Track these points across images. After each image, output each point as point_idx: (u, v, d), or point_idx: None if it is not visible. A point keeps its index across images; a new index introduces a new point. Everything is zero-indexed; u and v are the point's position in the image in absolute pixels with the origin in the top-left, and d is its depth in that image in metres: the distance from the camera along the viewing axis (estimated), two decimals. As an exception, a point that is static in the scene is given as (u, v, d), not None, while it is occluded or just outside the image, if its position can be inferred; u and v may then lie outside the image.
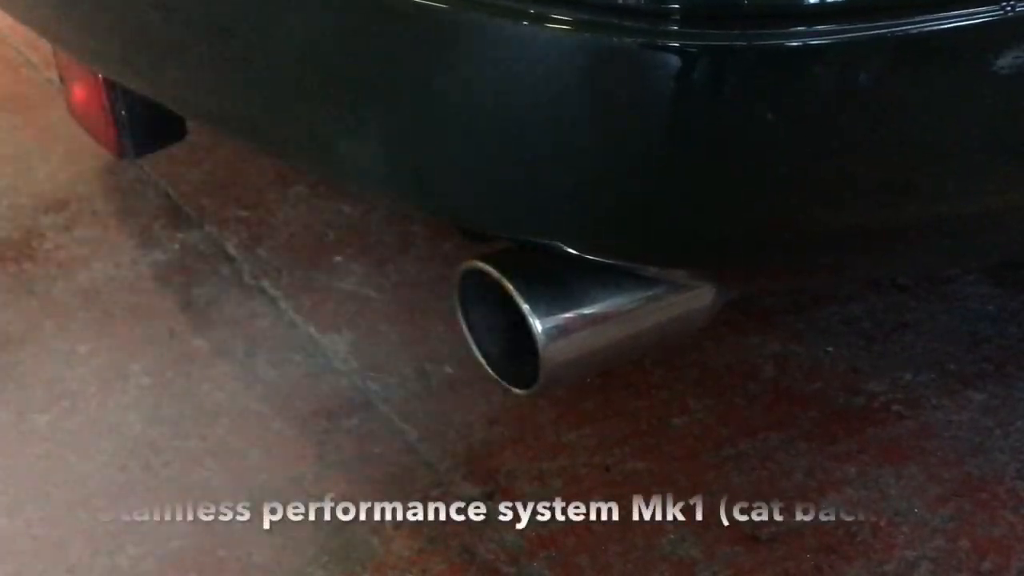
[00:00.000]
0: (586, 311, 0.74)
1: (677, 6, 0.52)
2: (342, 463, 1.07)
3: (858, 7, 0.53)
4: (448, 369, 1.19)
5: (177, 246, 1.42)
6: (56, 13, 0.93)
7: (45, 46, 1.17)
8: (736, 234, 0.62)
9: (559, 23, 0.55)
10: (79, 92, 1.00)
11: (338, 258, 1.38)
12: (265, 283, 1.34)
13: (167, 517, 1.01)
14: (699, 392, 1.16)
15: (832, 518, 1.01)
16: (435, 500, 1.03)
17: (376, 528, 1.00)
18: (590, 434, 1.11)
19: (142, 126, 0.97)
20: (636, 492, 1.03)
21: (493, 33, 0.57)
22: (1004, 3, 0.55)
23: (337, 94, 0.68)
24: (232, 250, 1.40)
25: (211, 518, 1.01)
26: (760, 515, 1.00)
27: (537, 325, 0.72)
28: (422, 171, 0.66)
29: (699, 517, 1.00)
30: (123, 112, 0.95)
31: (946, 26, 0.54)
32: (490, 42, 0.57)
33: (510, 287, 0.72)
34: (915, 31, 0.54)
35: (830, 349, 1.22)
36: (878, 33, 0.54)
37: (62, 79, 1.07)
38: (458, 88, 0.60)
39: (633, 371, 1.17)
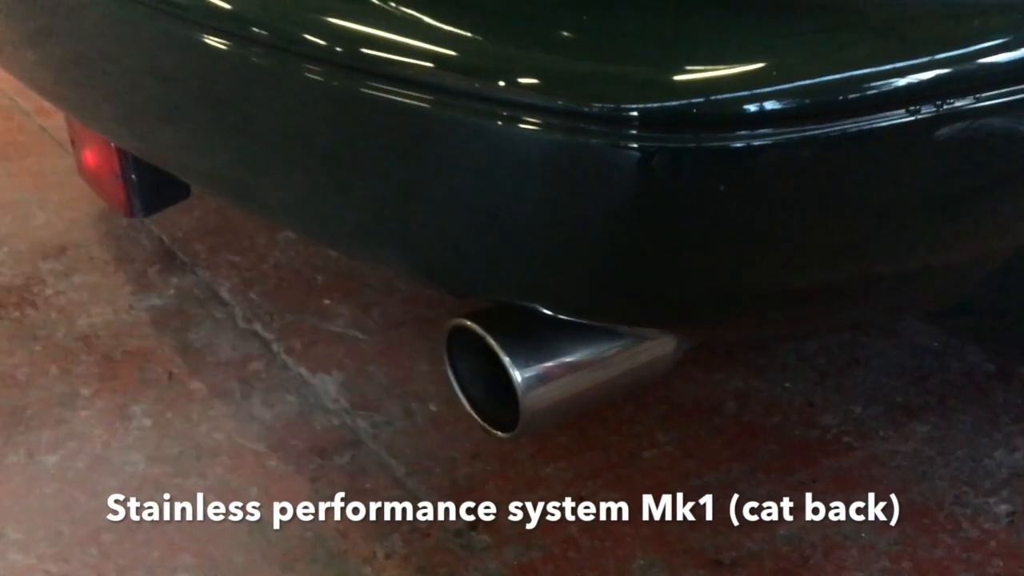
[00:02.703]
0: (562, 362, 0.83)
1: (636, 114, 0.61)
2: (334, 499, 1.15)
3: (790, 114, 0.62)
4: (432, 407, 1.27)
5: (172, 291, 1.49)
6: (64, 83, 1.01)
7: (37, 96, 1.24)
8: (688, 299, 0.71)
9: (538, 124, 0.64)
10: (90, 155, 1.08)
11: (326, 301, 1.47)
12: (258, 326, 1.42)
13: (172, 551, 1.08)
14: (667, 426, 1.25)
15: (788, 543, 1.10)
16: (423, 531, 1.11)
17: (368, 558, 1.08)
18: (566, 467, 1.19)
19: (150, 188, 1.05)
20: (609, 522, 1.11)
21: (483, 131, 0.66)
22: (911, 108, 0.65)
23: (332, 175, 0.77)
24: (225, 294, 1.48)
25: (213, 551, 1.08)
26: (723, 542, 1.09)
27: (517, 376, 0.80)
28: (418, 246, 0.75)
29: (667, 544, 1.09)
30: (133, 176, 1.03)
31: (863, 127, 0.64)
32: (480, 138, 0.66)
33: (493, 343, 0.80)
34: (837, 132, 0.64)
35: (788, 385, 1.32)
36: (808, 134, 0.63)
37: (73, 142, 1.14)
38: (449, 175, 0.69)
39: (606, 407, 1.26)
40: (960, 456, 1.22)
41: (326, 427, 1.25)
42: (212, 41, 0.77)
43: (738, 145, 0.62)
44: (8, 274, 1.53)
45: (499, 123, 0.64)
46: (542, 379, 0.81)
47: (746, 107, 0.62)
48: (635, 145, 0.62)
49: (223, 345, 1.39)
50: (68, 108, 1.05)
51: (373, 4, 0.71)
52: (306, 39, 0.71)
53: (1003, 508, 1.15)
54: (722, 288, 0.71)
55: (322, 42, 0.71)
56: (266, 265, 1.54)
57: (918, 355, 1.36)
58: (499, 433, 0.85)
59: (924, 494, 1.16)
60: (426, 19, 0.68)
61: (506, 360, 0.80)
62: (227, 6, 0.77)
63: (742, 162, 0.63)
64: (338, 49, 0.71)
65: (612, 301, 0.72)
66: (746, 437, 1.24)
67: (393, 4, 0.69)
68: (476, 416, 0.86)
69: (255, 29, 0.74)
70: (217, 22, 0.77)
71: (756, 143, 0.63)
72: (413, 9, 0.69)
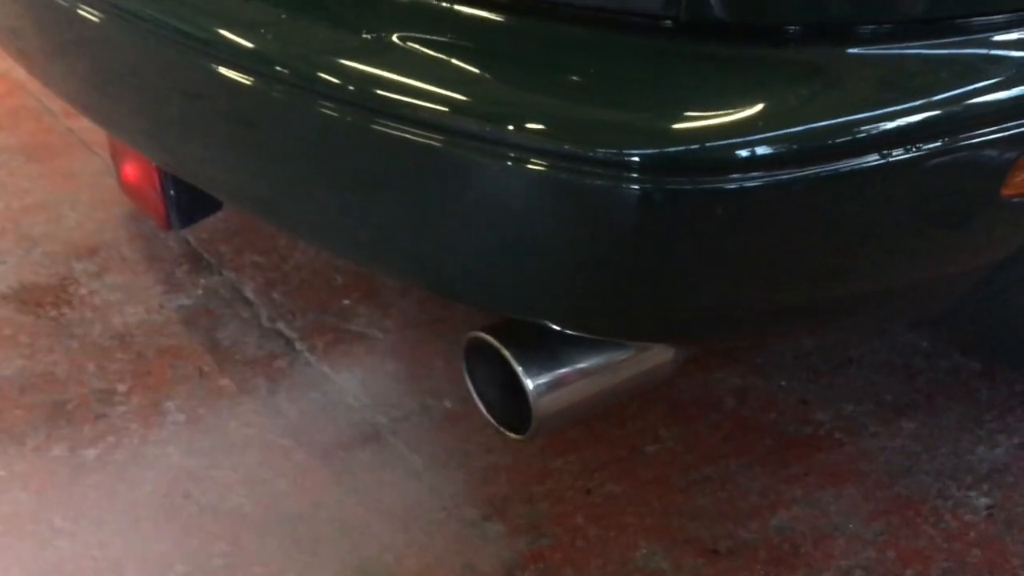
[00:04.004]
0: (570, 370, 0.90)
1: (637, 160, 0.69)
2: (358, 490, 1.23)
3: (776, 159, 0.70)
4: (447, 404, 1.35)
5: (200, 291, 1.57)
6: (102, 101, 1.08)
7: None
8: (684, 319, 0.79)
9: (553, 166, 0.71)
10: (129, 171, 1.15)
11: (346, 301, 1.54)
12: (281, 325, 1.50)
13: (208, 539, 1.17)
14: (669, 422, 1.33)
15: (780, 534, 1.18)
16: (440, 522, 1.19)
17: (389, 546, 1.16)
18: (574, 460, 1.27)
19: (187, 202, 1.12)
20: (614, 512, 1.19)
21: (505, 172, 0.73)
22: (884, 152, 0.72)
23: (369, 211, 0.84)
24: (250, 294, 1.56)
25: (246, 540, 1.17)
26: (720, 532, 1.17)
27: (529, 384, 0.88)
28: (443, 268, 0.83)
29: (668, 534, 1.17)
30: (172, 192, 1.10)
31: (840, 169, 0.71)
32: (502, 178, 0.73)
33: (507, 354, 0.88)
34: (819, 174, 0.71)
35: (783, 383, 1.39)
36: (792, 176, 0.71)
37: (113, 156, 1.21)
38: (472, 208, 0.77)
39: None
40: (944, 452, 1.29)
41: (348, 422, 1.33)
42: (241, 78, 0.84)
43: (728, 187, 0.70)
44: (44, 274, 1.61)
45: (516, 164, 0.72)
46: (552, 387, 0.89)
47: (736, 153, 0.69)
48: (635, 187, 0.69)
49: (249, 343, 1.46)
50: (105, 125, 1.12)
51: (394, 52, 0.79)
52: (336, 87, 0.78)
53: (983, 501, 1.22)
54: (714, 309, 0.79)
55: (343, 84, 0.79)
56: (287, 266, 1.62)
57: (908, 354, 1.43)
58: (513, 435, 0.93)
59: (909, 488, 1.24)
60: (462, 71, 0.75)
61: (519, 370, 0.88)
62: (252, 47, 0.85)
63: (731, 201, 0.71)
64: (356, 90, 0.78)
65: (615, 320, 0.80)
66: (743, 432, 1.31)
67: (418, 56, 0.77)
68: (492, 419, 0.94)
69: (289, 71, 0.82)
70: (246, 62, 0.84)
71: (746, 184, 0.70)
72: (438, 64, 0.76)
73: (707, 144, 0.69)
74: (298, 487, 1.24)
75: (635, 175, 0.69)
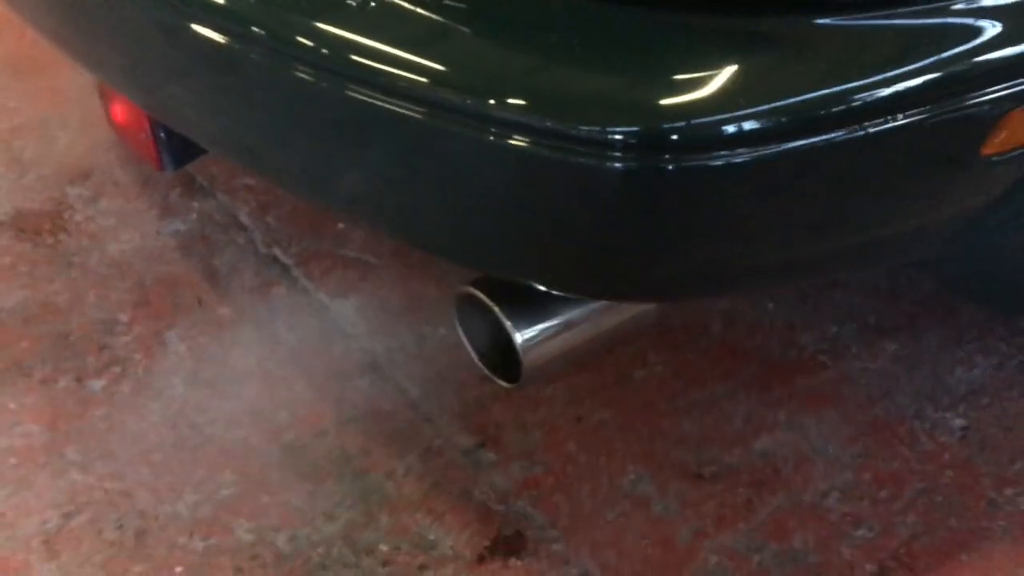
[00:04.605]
0: (557, 323, 0.93)
1: (620, 138, 0.70)
2: (357, 420, 1.28)
3: (759, 135, 0.71)
4: (442, 331, 1.38)
5: (194, 216, 1.58)
6: (92, 49, 1.08)
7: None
8: (664, 283, 0.82)
9: (543, 144, 0.72)
10: (119, 110, 1.15)
11: (340, 225, 1.56)
12: (277, 251, 1.52)
13: (215, 469, 1.22)
14: (657, 347, 1.36)
15: (763, 458, 1.23)
16: (437, 450, 1.24)
17: (389, 474, 1.21)
18: (565, 388, 1.31)
19: (178, 142, 1.12)
20: (604, 439, 1.24)
21: (487, 146, 0.74)
22: (866, 122, 0.73)
23: (346, 169, 0.85)
24: (244, 219, 1.57)
25: (252, 469, 1.22)
26: (705, 457, 1.22)
27: (517, 337, 0.91)
28: (435, 231, 0.84)
29: (655, 459, 1.22)
30: (162, 133, 1.10)
31: (823, 141, 0.72)
32: (498, 155, 0.74)
33: (495, 308, 0.91)
34: (798, 148, 0.72)
35: (771, 306, 1.42)
36: (773, 151, 0.72)
37: (102, 97, 1.21)
38: (452, 178, 0.78)
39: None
40: (923, 373, 1.33)
41: (346, 351, 1.37)
42: (220, 37, 0.84)
43: (711, 163, 0.71)
44: (39, 200, 1.61)
45: (498, 138, 0.73)
46: (540, 339, 0.92)
47: (720, 129, 0.70)
48: (618, 165, 0.70)
49: (246, 270, 1.49)
50: (92, 71, 1.11)
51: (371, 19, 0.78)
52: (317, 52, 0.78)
53: (958, 423, 1.27)
54: (700, 271, 0.81)
55: (322, 50, 0.79)
56: (280, 189, 1.63)
57: (892, 277, 1.46)
58: (505, 383, 0.96)
59: (888, 410, 1.29)
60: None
61: (508, 324, 0.91)
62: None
63: (714, 177, 0.72)
64: (333, 57, 0.78)
65: (598, 284, 0.82)
66: (730, 357, 1.35)
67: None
68: (484, 368, 0.98)
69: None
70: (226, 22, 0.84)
71: (728, 161, 0.71)
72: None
73: (692, 121, 0.70)
74: (299, 417, 1.28)
75: (617, 153, 0.70)
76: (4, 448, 1.24)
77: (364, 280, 1.47)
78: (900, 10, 0.72)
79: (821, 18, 0.71)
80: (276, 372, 1.34)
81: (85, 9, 0.99)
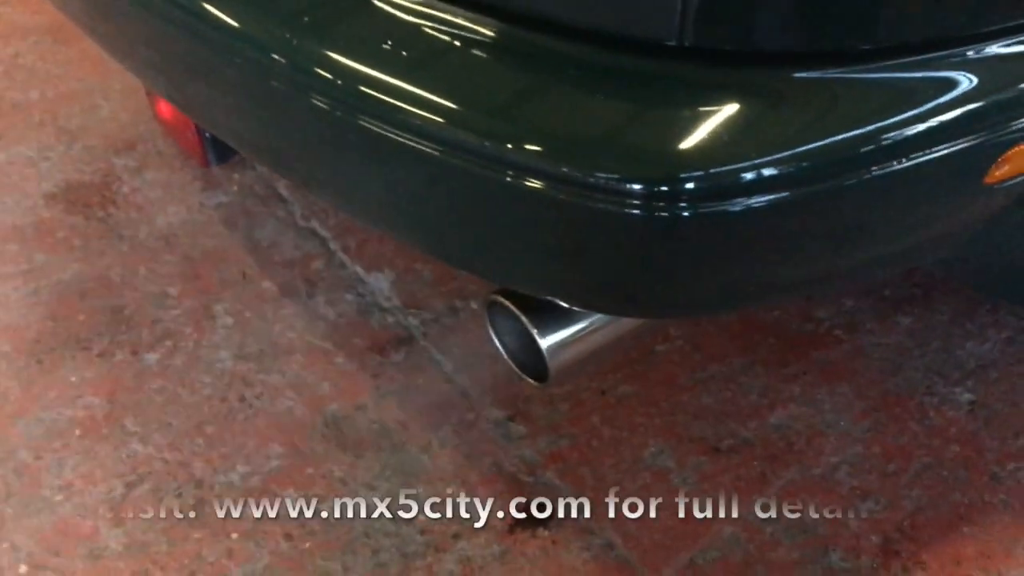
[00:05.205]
0: (580, 328, 0.99)
1: (638, 187, 0.75)
2: (394, 393, 1.36)
3: (775, 181, 0.75)
4: (474, 305, 1.45)
5: (235, 188, 1.65)
6: (132, 54, 1.13)
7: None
8: (682, 305, 0.87)
9: (569, 190, 0.77)
10: (165, 108, 1.20)
11: (375, 197, 1.62)
12: (315, 224, 1.58)
13: (264, 441, 1.31)
14: (678, 322, 1.43)
15: (778, 431, 1.30)
16: (469, 423, 1.32)
17: (425, 447, 1.30)
18: (590, 362, 1.38)
19: (222, 141, 1.18)
20: (627, 413, 1.32)
21: (518, 190, 0.79)
22: (874, 165, 0.77)
23: (368, 190, 0.91)
24: (283, 191, 1.64)
25: (298, 441, 1.31)
26: (723, 431, 1.29)
27: (543, 343, 0.98)
28: (461, 253, 0.90)
29: (675, 433, 1.30)
30: (207, 132, 1.16)
31: (836, 184, 0.77)
32: (515, 196, 0.79)
33: (522, 316, 0.97)
34: (809, 192, 0.77)
35: (789, 278, 1.47)
36: (784, 196, 0.77)
37: (148, 93, 1.26)
38: (487, 213, 0.83)
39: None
40: (935, 347, 1.39)
41: (382, 325, 1.44)
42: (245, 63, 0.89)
43: (729, 209, 0.76)
44: (87, 172, 1.69)
45: (548, 188, 0.78)
46: (565, 344, 0.98)
47: (739, 178, 0.75)
48: (640, 212, 0.75)
49: (286, 244, 1.56)
50: (138, 75, 1.17)
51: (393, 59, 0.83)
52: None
53: (966, 397, 1.33)
54: (715, 295, 0.87)
55: (345, 88, 0.84)
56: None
57: (910, 248, 1.50)
58: (533, 382, 1.03)
59: (899, 384, 1.35)
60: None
61: (534, 332, 0.97)
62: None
63: (732, 221, 0.77)
64: (352, 96, 0.83)
65: (620, 306, 0.88)
66: (749, 332, 1.41)
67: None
68: (514, 366, 1.04)
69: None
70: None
71: (749, 206, 0.76)
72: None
73: (710, 171, 0.75)
74: (340, 390, 1.37)
75: (635, 201, 0.75)
76: (68, 419, 1.34)
77: (398, 254, 1.53)
78: (892, 62, 0.76)
79: (832, 71, 0.76)
80: (317, 346, 1.42)
81: (129, 21, 1.04)
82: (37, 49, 1.94)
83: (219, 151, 1.19)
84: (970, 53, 0.77)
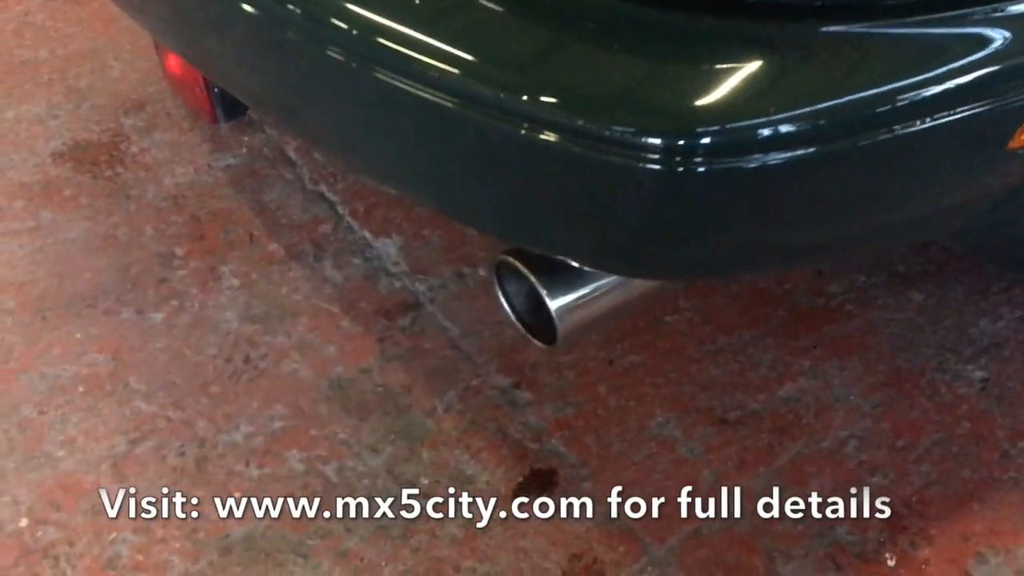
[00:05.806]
0: (589, 290, 0.98)
1: (655, 142, 0.73)
2: (400, 357, 1.35)
3: (789, 139, 0.74)
4: (481, 272, 1.44)
5: (244, 150, 1.63)
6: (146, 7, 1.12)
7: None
8: (692, 265, 0.86)
9: (584, 144, 0.75)
10: (175, 65, 1.19)
11: (384, 162, 1.60)
12: (323, 187, 1.57)
13: (268, 401, 1.30)
14: (689, 292, 1.41)
15: (786, 404, 1.29)
16: (475, 388, 1.31)
17: (430, 412, 1.29)
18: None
19: (231, 96, 1.16)
20: (633, 383, 1.31)
21: (533, 143, 0.78)
22: (897, 124, 0.75)
23: (382, 144, 0.90)
24: (292, 154, 1.62)
25: (302, 402, 1.30)
26: (730, 402, 1.28)
27: (552, 304, 0.96)
28: (471, 209, 0.89)
29: (682, 403, 1.28)
30: (215, 88, 1.14)
31: (856, 143, 0.75)
32: (531, 149, 0.78)
33: (532, 277, 0.96)
34: (828, 151, 0.75)
35: (801, 251, 1.46)
36: (804, 154, 0.75)
37: (157, 50, 1.25)
38: (500, 167, 0.82)
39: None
40: (948, 324, 1.37)
41: (389, 289, 1.43)
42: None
43: (750, 166, 0.74)
44: (96, 130, 1.67)
45: (569, 144, 0.76)
46: (574, 306, 0.97)
47: (757, 134, 0.73)
48: (655, 167, 0.74)
49: (294, 207, 1.54)
50: (149, 29, 1.16)
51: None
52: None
53: (978, 375, 1.31)
54: (719, 257, 0.86)
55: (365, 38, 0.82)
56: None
57: (925, 225, 1.48)
58: (541, 344, 1.02)
59: (910, 360, 1.33)
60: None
61: (543, 292, 0.96)
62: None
63: (747, 178, 0.75)
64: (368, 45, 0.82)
65: (632, 265, 0.87)
66: (759, 304, 1.40)
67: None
68: (522, 329, 1.03)
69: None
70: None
71: (766, 162, 0.74)
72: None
73: (728, 126, 0.73)
74: (345, 353, 1.36)
75: (651, 155, 0.73)
76: (72, 376, 1.34)
77: (406, 219, 1.52)
78: (922, 17, 0.74)
79: (859, 26, 0.74)
80: (323, 309, 1.41)
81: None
82: (48, 7, 1.92)
83: (228, 108, 1.18)
84: (1011, 7, 0.75)
